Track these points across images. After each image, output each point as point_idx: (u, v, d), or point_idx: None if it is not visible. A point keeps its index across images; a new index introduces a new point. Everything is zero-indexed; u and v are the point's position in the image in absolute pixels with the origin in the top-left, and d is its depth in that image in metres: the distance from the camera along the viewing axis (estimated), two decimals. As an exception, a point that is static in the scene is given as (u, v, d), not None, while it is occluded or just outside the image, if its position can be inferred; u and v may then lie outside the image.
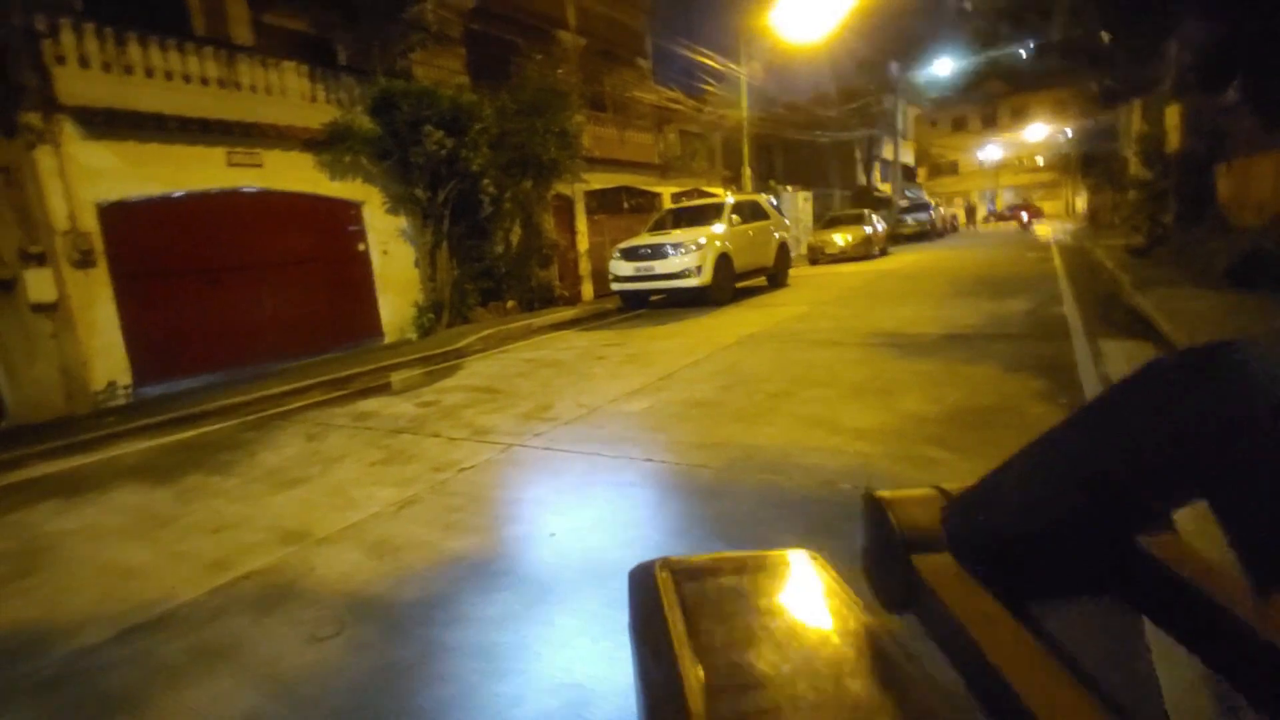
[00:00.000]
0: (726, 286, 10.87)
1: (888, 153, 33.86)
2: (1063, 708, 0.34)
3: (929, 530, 0.49)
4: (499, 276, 11.71)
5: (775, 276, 13.00)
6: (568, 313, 11.31)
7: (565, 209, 14.61)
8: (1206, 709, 1.53)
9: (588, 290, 15.06)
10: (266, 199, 8.73)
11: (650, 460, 3.45)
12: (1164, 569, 0.40)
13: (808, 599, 0.54)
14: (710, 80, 19.73)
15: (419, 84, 10.13)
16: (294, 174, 9.02)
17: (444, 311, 10.44)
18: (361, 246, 10.03)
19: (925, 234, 26.84)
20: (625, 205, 16.94)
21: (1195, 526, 0.47)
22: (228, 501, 3.61)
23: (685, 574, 0.57)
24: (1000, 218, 45.65)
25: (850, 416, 3.93)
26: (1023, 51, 7.07)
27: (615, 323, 10.09)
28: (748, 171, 18.66)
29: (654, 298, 11.65)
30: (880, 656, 0.45)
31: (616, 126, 16.78)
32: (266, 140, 8.63)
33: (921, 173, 46.79)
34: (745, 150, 18.62)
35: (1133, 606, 0.41)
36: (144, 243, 7.52)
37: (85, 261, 6.95)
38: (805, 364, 5.59)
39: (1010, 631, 0.40)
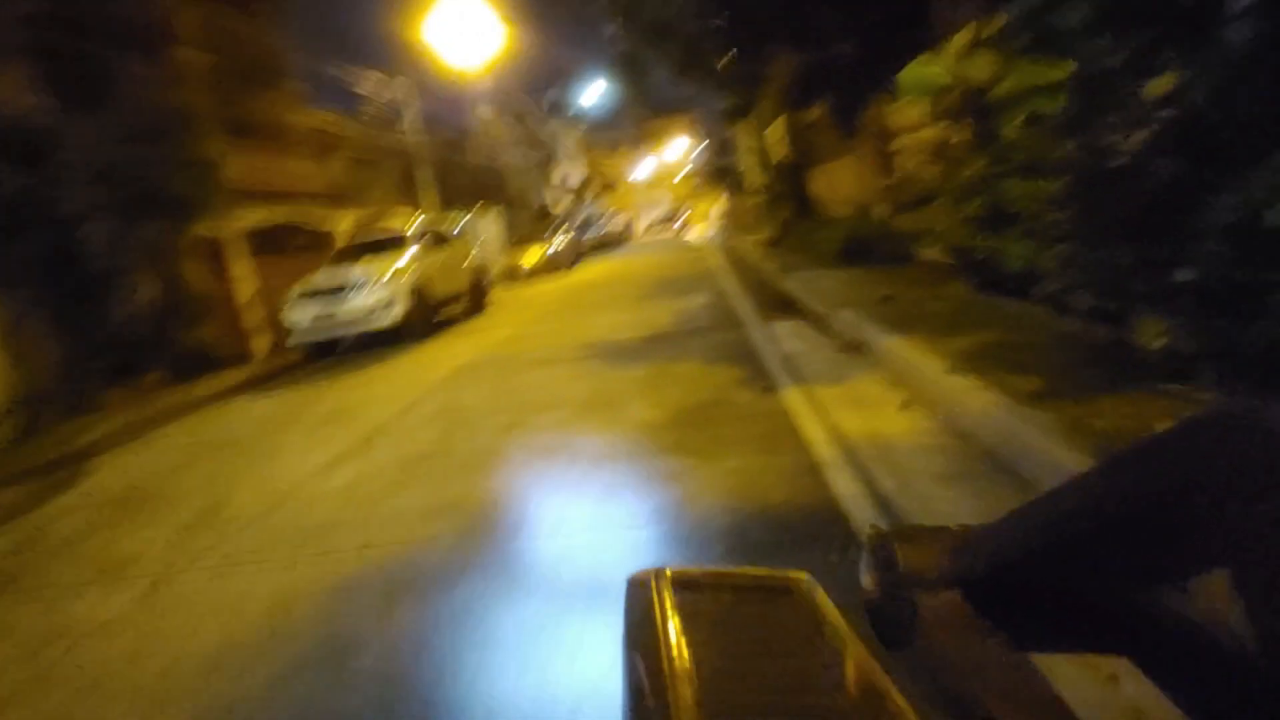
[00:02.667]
0: (425, 319, 10.19)
1: (561, 172, 35.81)
2: None
3: (935, 568, 0.47)
4: (132, 345, 9.31)
5: (475, 301, 12.64)
6: (238, 375, 9.50)
7: (217, 252, 12.28)
8: None
9: (262, 344, 12.88)
10: None
11: (367, 548, 2.86)
12: (1176, 632, 0.38)
13: (805, 624, 0.53)
14: (378, 105, 18.54)
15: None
16: None
17: (46, 406, 7.89)
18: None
19: (605, 245, 29.12)
20: (295, 242, 14.93)
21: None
22: None
23: (683, 585, 0.56)
24: (663, 225, 51.61)
25: (585, 440, 3.80)
26: (661, 75, 7.95)
27: (301, 377, 8.73)
28: (429, 196, 17.95)
29: (344, 343, 10.39)
30: (874, 693, 0.44)
31: (272, 155, 14.67)
32: None
33: (593, 188, 50.50)
34: (422, 175, 17.87)
35: (1142, 668, 0.39)
36: None
37: None
38: (526, 388, 5.38)
39: (1010, 678, 0.39)
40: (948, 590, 0.45)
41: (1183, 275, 2.26)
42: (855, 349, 4.76)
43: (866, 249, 8.52)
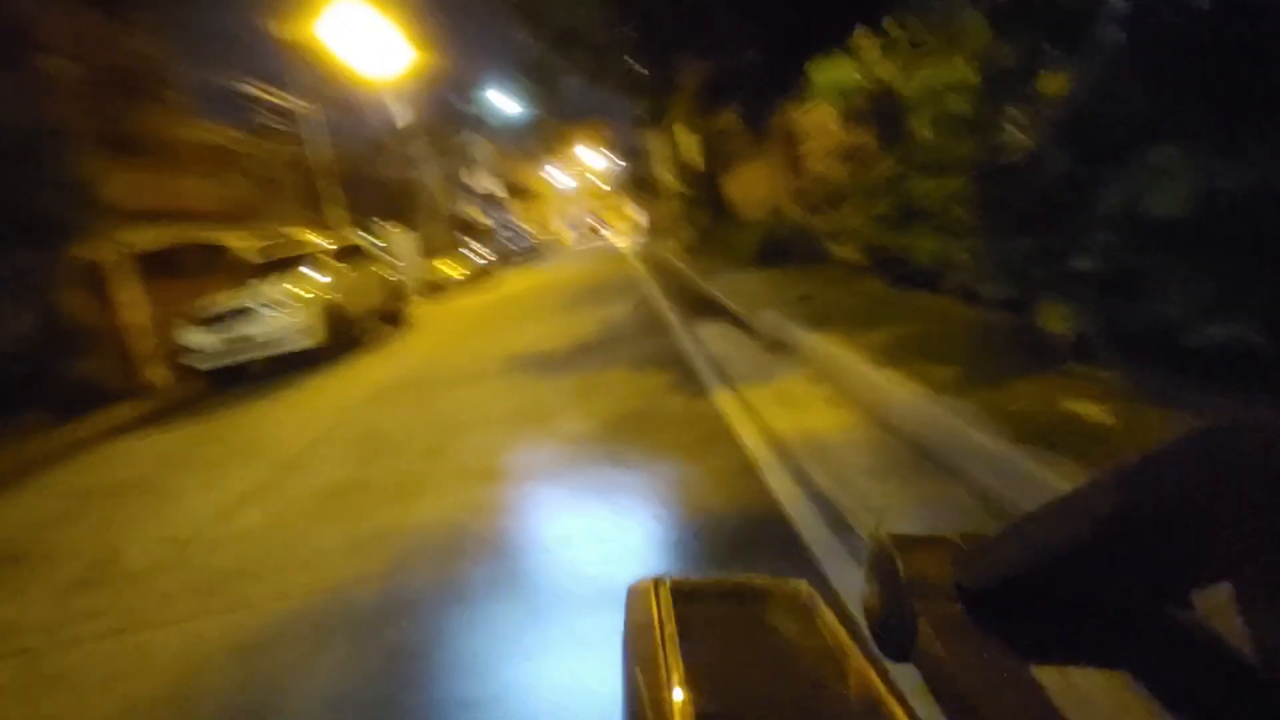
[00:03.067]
0: (341, 339, 9.72)
1: (476, 183, 35.15)
2: None
3: (936, 577, 0.46)
4: (4, 382, 8.44)
5: (392, 318, 12.19)
6: (133, 409, 8.76)
7: (103, 277, 11.29)
8: None
9: (160, 374, 11.93)
10: None
11: (284, 595, 2.64)
12: (1177, 647, 0.38)
13: (804, 632, 0.54)
14: (278, 118, 17.61)
15: None
16: None
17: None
18: None
19: (524, 255, 28.86)
20: (192, 264, 13.96)
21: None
22: None
23: (682, 594, 0.56)
24: (582, 234, 51.66)
25: (517, 458, 3.68)
26: (573, 82, 7.92)
27: (207, 408, 8.13)
28: (339, 212, 17.19)
29: (252, 368, 9.77)
30: (873, 703, 0.45)
31: (160, 172, 13.68)
32: None
33: (510, 199, 49.85)
34: (329, 189, 17.10)
35: (1142, 683, 0.39)
36: None
37: None
38: (452, 407, 5.19)
39: (1011, 692, 0.38)
40: (949, 601, 0.45)
41: (1078, 263, 2.39)
42: (779, 348, 4.84)
43: (783, 250, 8.73)
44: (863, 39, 2.89)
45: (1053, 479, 1.91)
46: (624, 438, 3.62)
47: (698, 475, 2.95)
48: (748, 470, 2.85)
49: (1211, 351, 2.08)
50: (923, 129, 2.61)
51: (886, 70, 2.70)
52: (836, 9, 4.22)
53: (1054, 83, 2.22)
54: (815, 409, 3.47)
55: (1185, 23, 2.12)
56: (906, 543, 0.49)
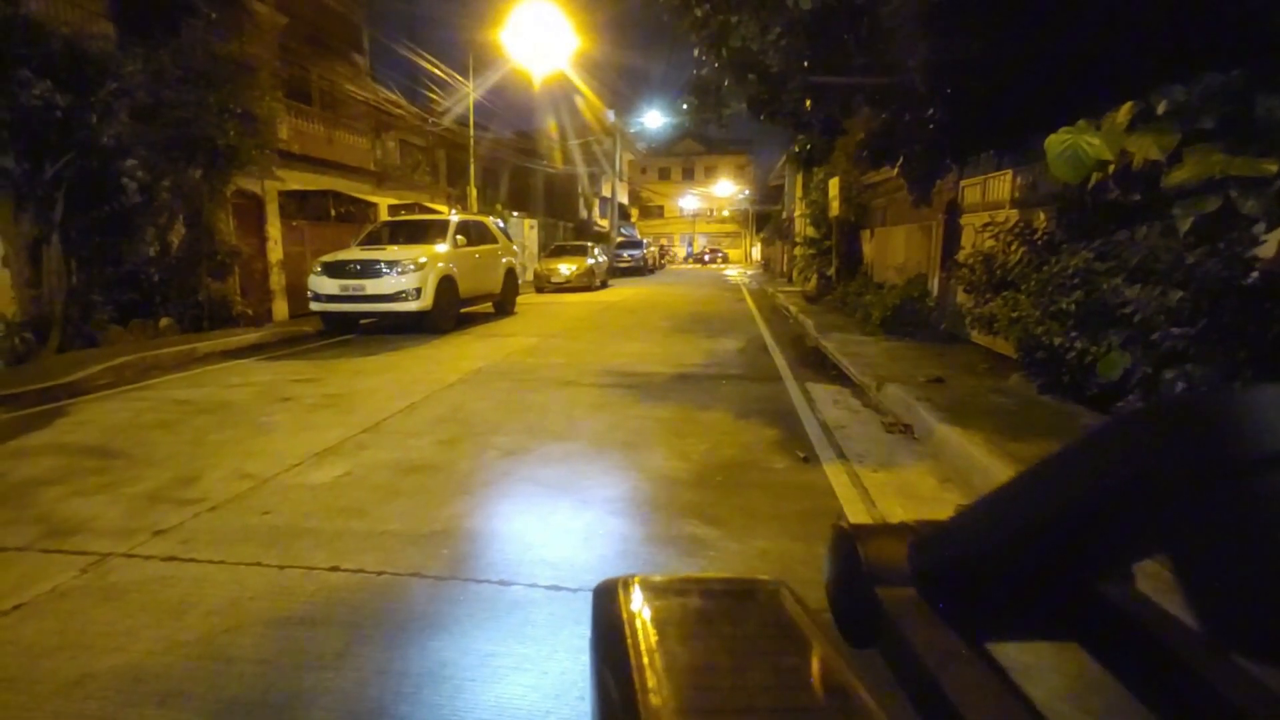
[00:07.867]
0: (450, 312, 9.92)
1: (606, 190, 35.90)
2: None
3: (895, 565, 0.47)
4: (149, 286, 9.11)
5: (502, 304, 12.40)
6: (250, 336, 9.23)
7: (252, 209, 12.16)
8: None
9: (281, 309, 12.68)
10: None
11: (337, 570, 2.47)
12: (1121, 617, 0.39)
13: (773, 628, 0.53)
14: (436, 91, 18.61)
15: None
16: None
17: (52, 330, 7.66)
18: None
19: (638, 269, 28.91)
20: (332, 212, 14.84)
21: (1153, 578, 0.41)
22: None
23: (651, 594, 0.56)
24: (697, 260, 51.67)
25: (597, 480, 3.42)
26: (733, 111, 7.72)
27: (313, 350, 8.44)
28: (473, 191, 17.85)
29: (364, 321, 10.16)
30: (842, 691, 0.45)
31: (324, 123, 14.71)
32: None
33: (634, 213, 50.68)
34: (471, 169, 17.81)
35: (1090, 653, 0.40)
36: None
37: None
38: (540, 408, 5.02)
39: (970, 670, 0.39)
40: (908, 586, 0.45)
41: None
42: (903, 430, 4.36)
43: (912, 321, 8.14)
44: (1118, 113, 2.45)
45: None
46: (716, 491, 3.28)
47: (798, 558, 2.57)
48: (862, 571, 2.44)
49: None
50: (1184, 222, 2.16)
51: (1148, 147, 2.26)
52: (1064, 80, 3.78)
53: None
54: (945, 514, 3.00)
55: None
56: (866, 532, 0.50)
